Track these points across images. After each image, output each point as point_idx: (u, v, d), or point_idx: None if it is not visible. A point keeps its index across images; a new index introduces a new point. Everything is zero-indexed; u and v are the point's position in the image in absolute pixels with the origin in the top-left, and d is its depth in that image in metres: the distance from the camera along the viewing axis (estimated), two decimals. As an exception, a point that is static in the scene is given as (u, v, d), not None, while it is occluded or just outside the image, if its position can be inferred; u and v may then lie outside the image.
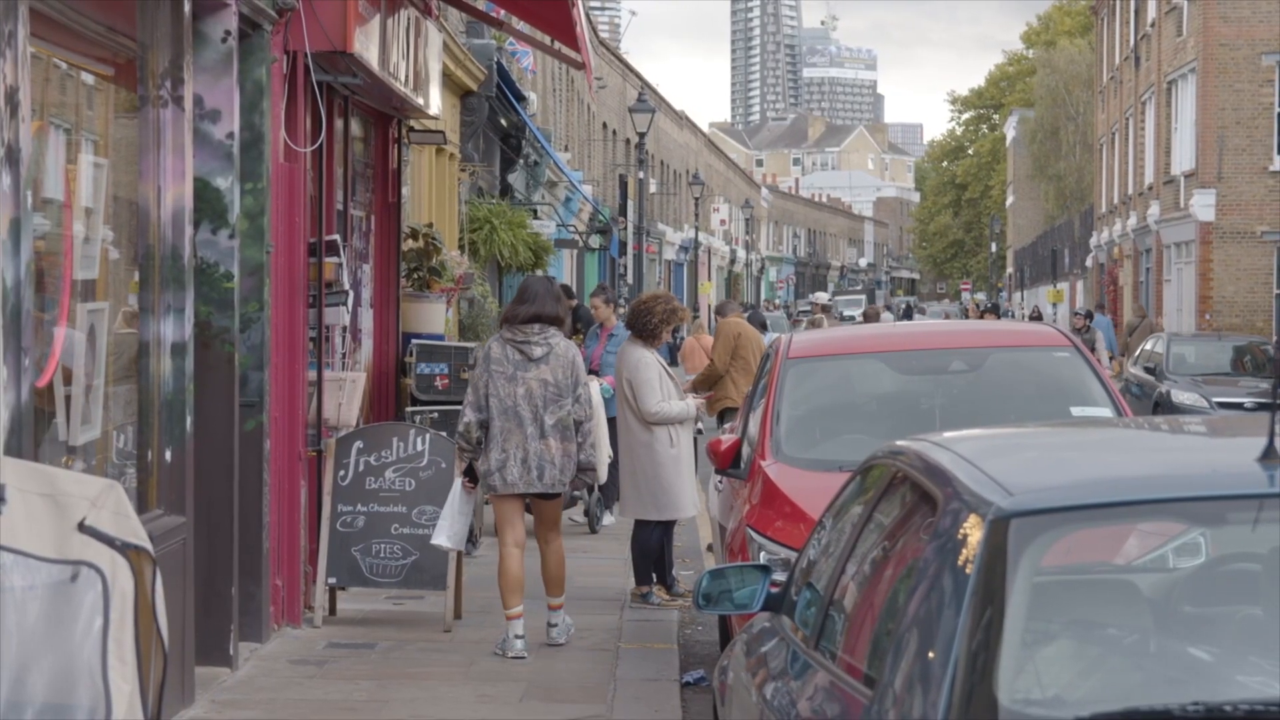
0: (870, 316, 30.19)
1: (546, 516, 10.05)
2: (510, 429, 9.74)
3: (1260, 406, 23.13)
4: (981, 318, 28.64)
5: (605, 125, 53.08)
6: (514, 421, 9.74)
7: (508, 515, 9.92)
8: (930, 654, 3.63)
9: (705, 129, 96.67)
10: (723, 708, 5.64)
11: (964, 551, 3.77)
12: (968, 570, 3.70)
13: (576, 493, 14.21)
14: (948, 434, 4.85)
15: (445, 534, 10.10)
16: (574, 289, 25.71)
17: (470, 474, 9.98)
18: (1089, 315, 29.77)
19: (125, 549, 4.13)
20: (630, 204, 48.35)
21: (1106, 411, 8.85)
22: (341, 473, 10.62)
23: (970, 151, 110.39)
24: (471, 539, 13.30)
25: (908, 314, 61.57)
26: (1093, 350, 26.44)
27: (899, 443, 4.84)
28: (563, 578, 10.09)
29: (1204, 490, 3.94)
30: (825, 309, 30.63)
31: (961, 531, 3.84)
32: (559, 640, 10.09)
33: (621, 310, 16.08)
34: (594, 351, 15.10)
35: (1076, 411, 8.91)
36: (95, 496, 4.15)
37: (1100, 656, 3.68)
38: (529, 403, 9.75)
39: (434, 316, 14.20)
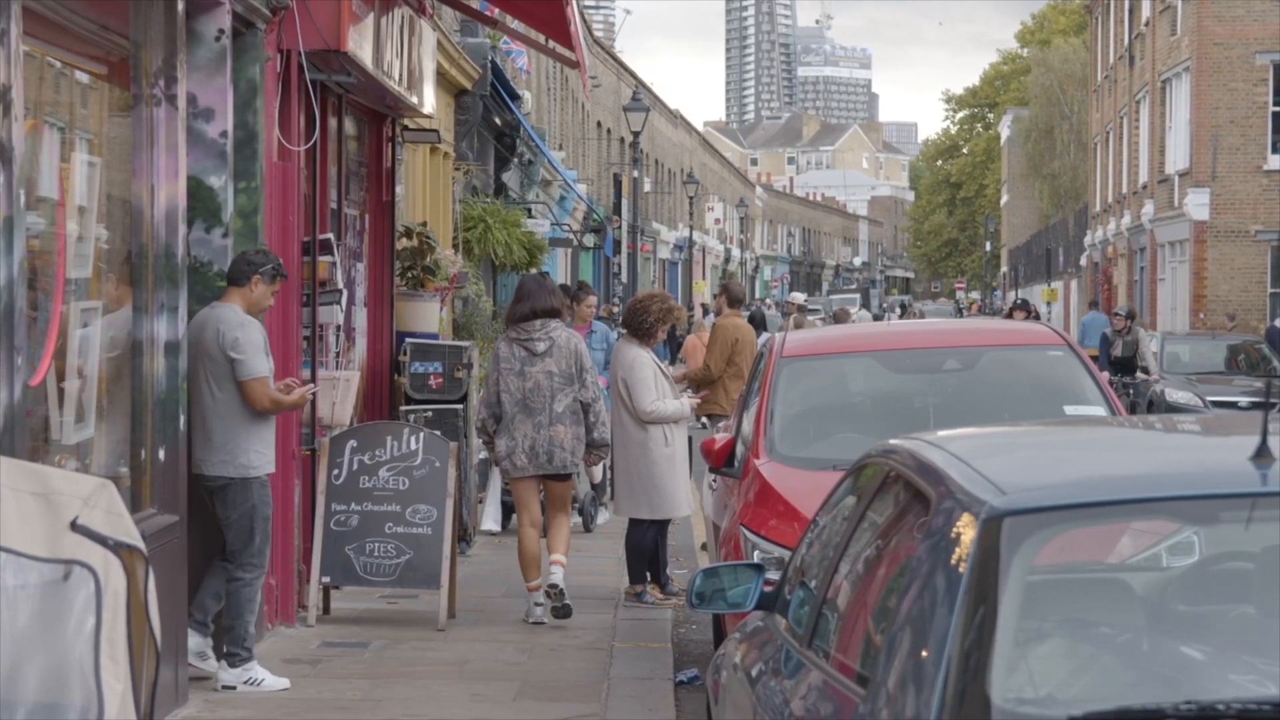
0: (840, 317, 29.79)
1: (556, 497, 10.83)
2: (520, 419, 10.59)
3: (1255, 405, 23.11)
4: (1010, 315, 26.32)
5: (600, 124, 53.07)
6: (524, 412, 10.59)
7: (524, 498, 10.79)
8: (923, 653, 3.63)
9: (700, 128, 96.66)
10: (716, 707, 5.64)
11: (957, 550, 3.76)
12: (961, 569, 3.69)
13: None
14: (941, 433, 4.85)
15: (492, 518, 11.62)
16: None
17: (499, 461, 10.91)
18: (1130, 315, 27.00)
19: (118, 548, 4.12)
20: (625, 203, 48.35)
21: (1100, 410, 8.86)
22: (335, 472, 10.62)
23: (965, 150, 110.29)
24: (465, 538, 13.32)
25: (878, 316, 59.16)
26: (1136, 352, 25.50)
27: (892, 441, 4.84)
28: (566, 547, 10.70)
29: (1197, 489, 3.94)
30: (800, 309, 30.20)
31: (954, 530, 3.83)
32: (542, 618, 10.61)
33: (615, 309, 16.10)
34: None
35: (1070, 410, 8.91)
36: (88, 495, 4.14)
37: (1093, 655, 3.68)
38: (538, 394, 10.59)
39: (428, 315, 14.19)
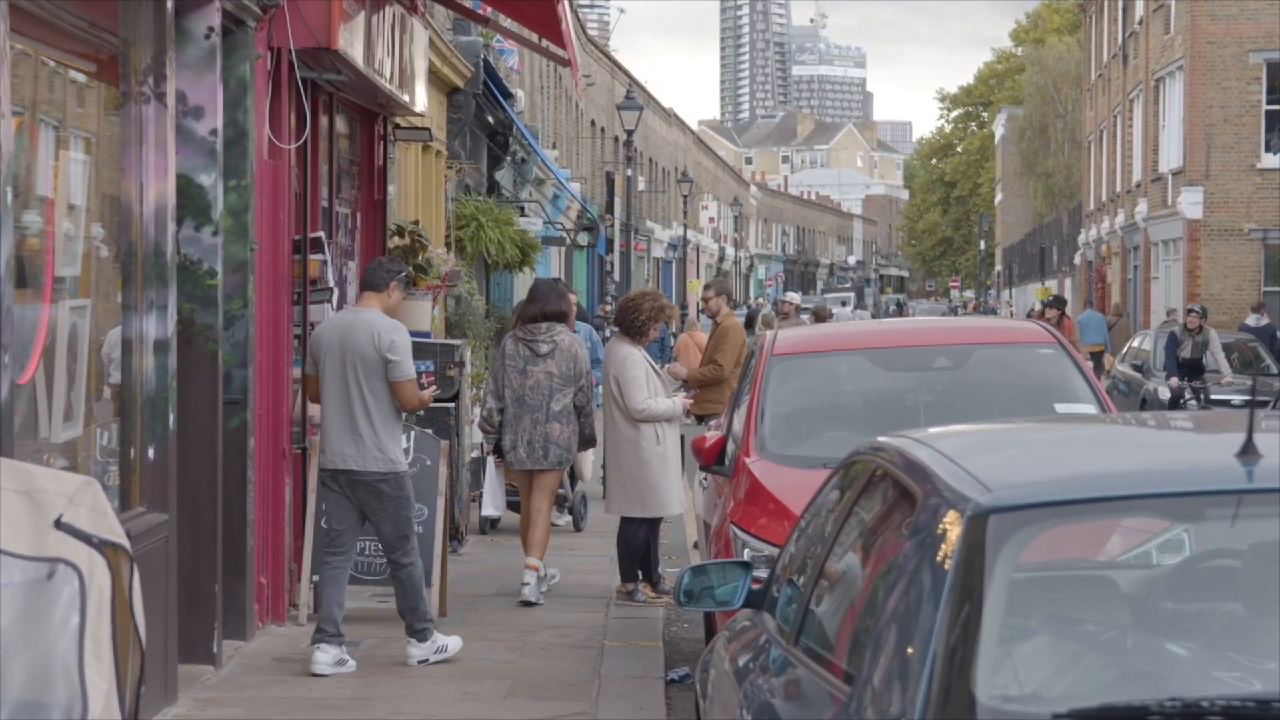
0: (820, 315, 29.52)
1: (544, 484, 11.42)
2: (520, 415, 11.29)
3: (1249, 404, 22.96)
4: (1043, 315, 23.86)
5: (593, 123, 53.06)
6: (524, 409, 11.28)
7: (523, 488, 11.53)
8: (908, 650, 3.63)
9: (694, 126, 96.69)
10: (705, 705, 5.63)
11: (942, 548, 3.76)
12: (946, 566, 3.69)
13: (561, 490, 14.24)
14: (929, 430, 4.84)
15: (491, 504, 12.43)
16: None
17: (499, 451, 11.56)
18: (1204, 314, 24.26)
19: (102, 546, 4.11)
20: (618, 201, 48.33)
21: (1090, 408, 8.85)
22: (326, 470, 10.59)
23: (959, 149, 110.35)
24: (458, 537, 13.30)
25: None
26: (1206, 349, 22.96)
27: (880, 439, 4.83)
28: (545, 542, 11.36)
29: (1182, 486, 3.93)
30: (796, 309, 30.02)
31: (940, 527, 3.83)
32: (529, 597, 11.15)
33: (609, 308, 16.14)
34: None
35: (1061, 408, 8.91)
36: (72, 493, 4.13)
37: (1078, 653, 3.67)
38: (537, 393, 11.26)
39: (420, 314, 14.16)
